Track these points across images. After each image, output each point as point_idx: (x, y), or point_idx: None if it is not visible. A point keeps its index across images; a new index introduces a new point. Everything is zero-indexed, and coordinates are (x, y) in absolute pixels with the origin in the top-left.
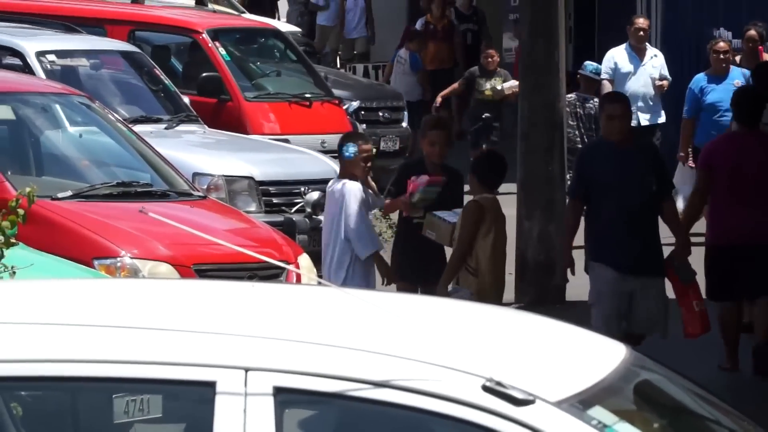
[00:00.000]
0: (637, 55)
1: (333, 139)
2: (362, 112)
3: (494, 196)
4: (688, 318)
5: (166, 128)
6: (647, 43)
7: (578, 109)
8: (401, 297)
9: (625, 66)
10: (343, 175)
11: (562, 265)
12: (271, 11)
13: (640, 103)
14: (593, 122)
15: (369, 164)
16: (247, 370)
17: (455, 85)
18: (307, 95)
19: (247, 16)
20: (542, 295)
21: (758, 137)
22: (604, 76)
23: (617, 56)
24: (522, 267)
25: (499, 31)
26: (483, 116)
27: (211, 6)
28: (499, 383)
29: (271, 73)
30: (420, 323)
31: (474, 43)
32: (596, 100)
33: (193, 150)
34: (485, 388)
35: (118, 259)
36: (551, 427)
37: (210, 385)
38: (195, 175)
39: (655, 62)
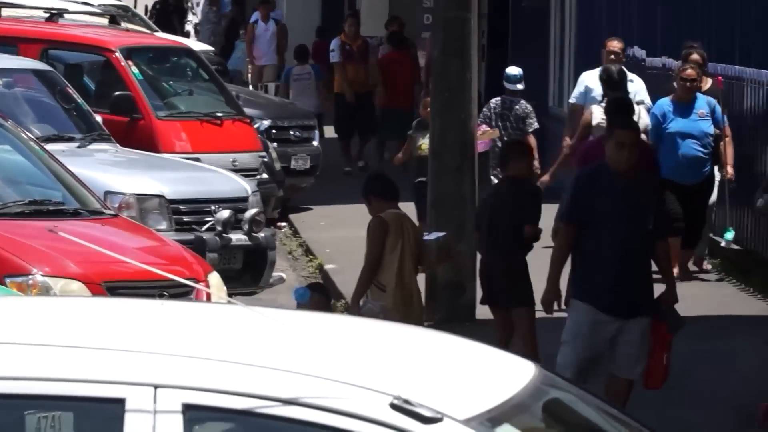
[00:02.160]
0: None
1: (244, 158)
2: (273, 131)
3: (399, 210)
4: (654, 370)
5: (78, 147)
6: (622, 67)
7: (504, 110)
8: (310, 315)
9: (598, 90)
10: None
11: (546, 298)
12: (181, 30)
13: None
14: (521, 123)
15: None
16: (156, 387)
17: (406, 146)
18: (219, 114)
19: (160, 34)
20: (452, 313)
21: None
22: (572, 100)
23: (589, 80)
24: (432, 285)
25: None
26: None
27: (124, 25)
28: (407, 401)
29: (183, 91)
30: (329, 341)
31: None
32: (523, 102)
33: (105, 169)
34: (393, 406)
35: (30, 276)
36: None
37: (119, 402)
38: (107, 193)
39: (631, 87)
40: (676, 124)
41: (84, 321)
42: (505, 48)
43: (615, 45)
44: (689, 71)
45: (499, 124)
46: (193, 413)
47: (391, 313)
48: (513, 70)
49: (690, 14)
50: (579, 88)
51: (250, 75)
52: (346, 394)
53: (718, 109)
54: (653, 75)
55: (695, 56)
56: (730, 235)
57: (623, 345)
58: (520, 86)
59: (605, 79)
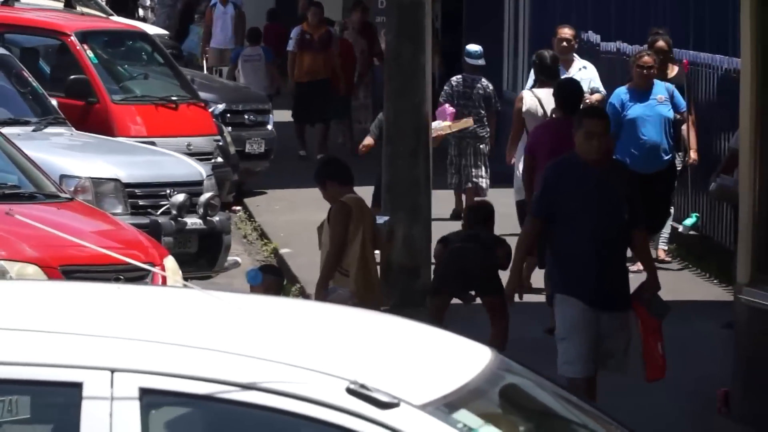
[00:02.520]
0: (563, 67)
1: (199, 142)
2: (228, 115)
3: (357, 195)
4: (652, 360)
5: (33, 130)
6: (575, 54)
7: (466, 89)
8: (267, 300)
9: None
10: None
11: (508, 290)
12: (134, 13)
13: None
14: (481, 101)
15: None
16: (113, 371)
17: (370, 140)
18: (173, 98)
19: (116, 18)
20: (407, 298)
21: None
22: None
23: None
24: (386, 270)
25: None
26: None
27: (79, 8)
28: (363, 386)
29: (138, 75)
30: (285, 326)
31: None
32: (484, 80)
33: (61, 152)
34: (350, 391)
35: None
36: (416, 429)
37: (77, 386)
38: (62, 177)
39: (584, 74)
40: (634, 111)
41: (40, 305)
42: (459, 32)
43: (566, 32)
44: (646, 58)
45: (461, 102)
46: (150, 397)
47: (359, 298)
48: (474, 47)
49: None
50: (532, 77)
51: (206, 59)
52: (302, 379)
53: (677, 93)
54: (607, 59)
55: (661, 43)
56: (689, 221)
57: (606, 338)
58: (481, 62)
59: (537, 64)
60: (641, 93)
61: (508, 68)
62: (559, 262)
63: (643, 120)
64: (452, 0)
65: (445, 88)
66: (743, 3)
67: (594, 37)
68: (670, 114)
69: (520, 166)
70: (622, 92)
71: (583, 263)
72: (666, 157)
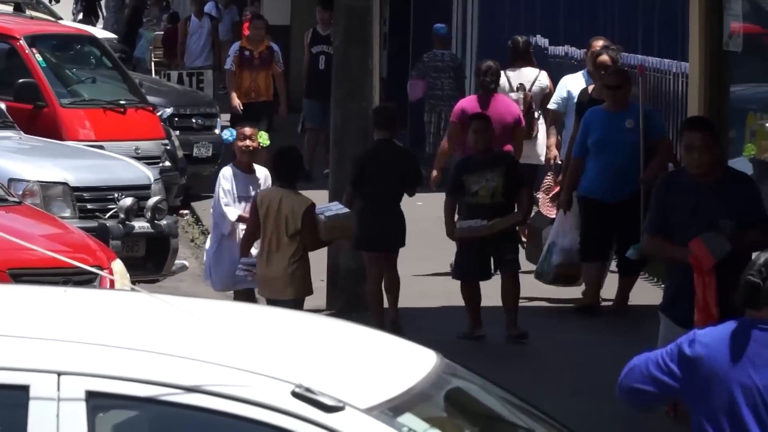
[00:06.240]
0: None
1: (146, 146)
2: (176, 119)
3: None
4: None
5: None
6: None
7: (437, 63)
8: (213, 303)
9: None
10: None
11: None
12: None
13: None
14: (451, 72)
15: (247, 146)
16: (59, 374)
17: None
18: (122, 102)
19: (64, 22)
20: (353, 302)
21: (497, 99)
22: (553, 106)
23: (571, 84)
24: (333, 274)
25: None
26: None
27: (28, 12)
28: (308, 389)
29: (87, 79)
30: (231, 329)
31: (327, 70)
32: (451, 52)
33: (9, 156)
34: (294, 394)
35: None
36: None
37: (23, 389)
38: (10, 180)
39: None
40: (597, 133)
41: None
42: (407, 35)
43: (601, 45)
44: (603, 57)
45: (433, 75)
46: (96, 400)
47: None
48: (440, 25)
49: (592, 2)
50: (560, 93)
51: (154, 63)
52: (247, 382)
53: (657, 118)
54: (555, 63)
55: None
56: (631, 252)
57: None
58: (448, 35)
59: (511, 48)
60: (610, 114)
61: None
62: (667, 280)
63: (605, 145)
64: (400, 4)
65: (417, 64)
66: (692, 7)
67: (542, 41)
68: (637, 139)
69: None
70: (591, 112)
71: (679, 281)
72: (630, 187)
